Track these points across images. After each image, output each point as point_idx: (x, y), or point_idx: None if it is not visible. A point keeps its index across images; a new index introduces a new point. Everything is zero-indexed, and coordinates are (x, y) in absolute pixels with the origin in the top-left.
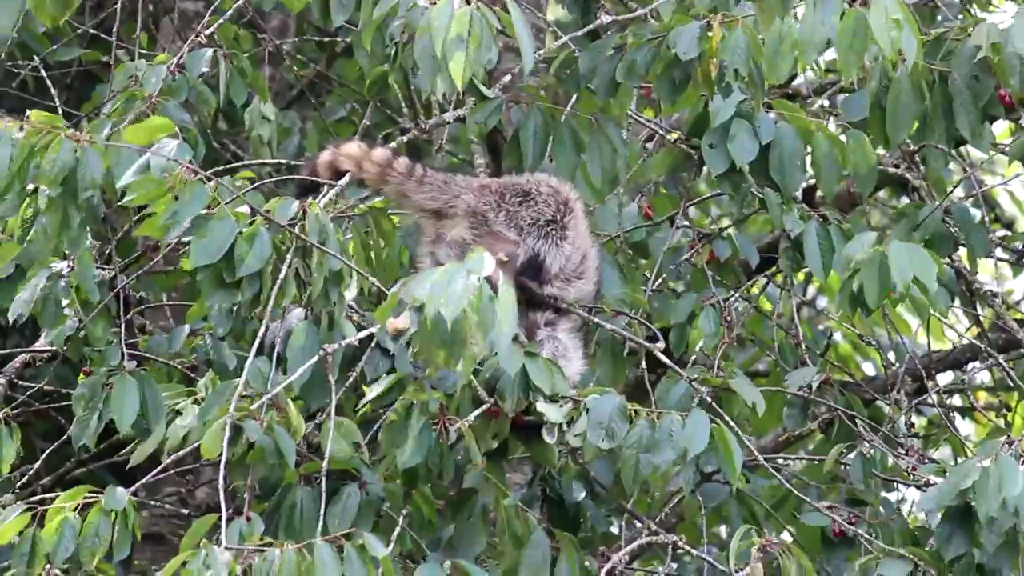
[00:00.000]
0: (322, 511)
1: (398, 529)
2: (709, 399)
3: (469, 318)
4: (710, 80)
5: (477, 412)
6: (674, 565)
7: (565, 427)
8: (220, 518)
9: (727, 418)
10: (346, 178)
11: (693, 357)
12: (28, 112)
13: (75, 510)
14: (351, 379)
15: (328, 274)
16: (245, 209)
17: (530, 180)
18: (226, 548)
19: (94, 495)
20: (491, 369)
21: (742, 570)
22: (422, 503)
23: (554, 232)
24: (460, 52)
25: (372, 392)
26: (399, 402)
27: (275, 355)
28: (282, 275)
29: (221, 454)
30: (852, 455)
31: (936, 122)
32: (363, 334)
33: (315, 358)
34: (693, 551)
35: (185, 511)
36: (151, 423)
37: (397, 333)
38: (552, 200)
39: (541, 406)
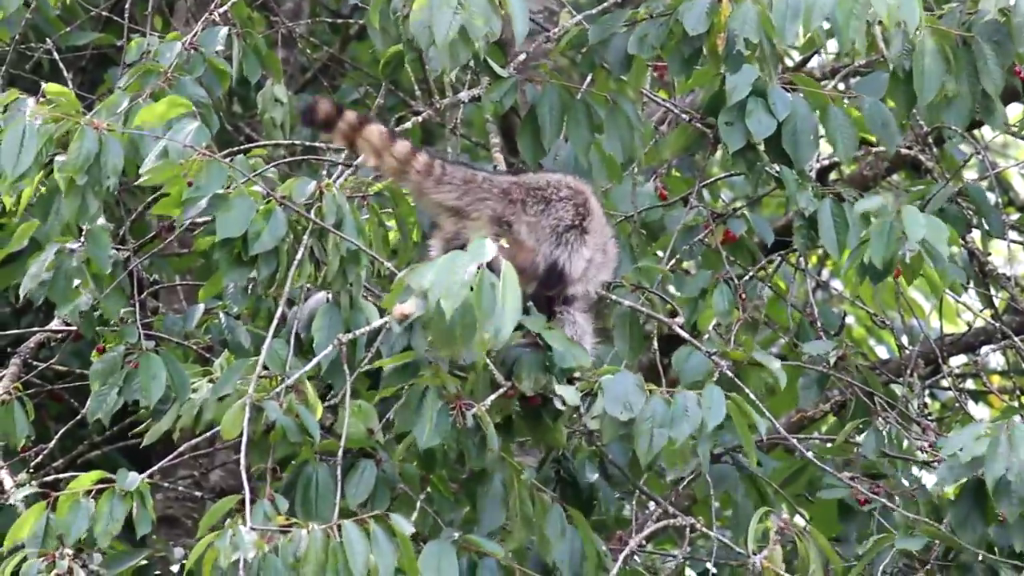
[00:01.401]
0: (339, 486)
1: (416, 513)
2: (729, 372)
3: (473, 306)
4: (717, 55)
5: (494, 396)
6: (687, 548)
7: (582, 410)
8: (243, 498)
9: (748, 392)
10: (362, 158)
11: (707, 336)
12: (44, 86)
13: (88, 494)
14: (367, 359)
15: (345, 254)
16: (259, 190)
17: (550, 183)
18: (252, 528)
19: (107, 480)
20: (505, 351)
21: (759, 553)
22: (439, 484)
23: (574, 238)
24: (447, 18)
25: (387, 369)
26: (413, 386)
27: (292, 337)
28: (299, 256)
29: (240, 435)
30: (865, 433)
31: (961, 84)
32: (382, 321)
33: (331, 347)
34: (711, 533)
35: (199, 494)
36: (180, 398)
37: (403, 318)
38: (571, 204)
39: (559, 388)
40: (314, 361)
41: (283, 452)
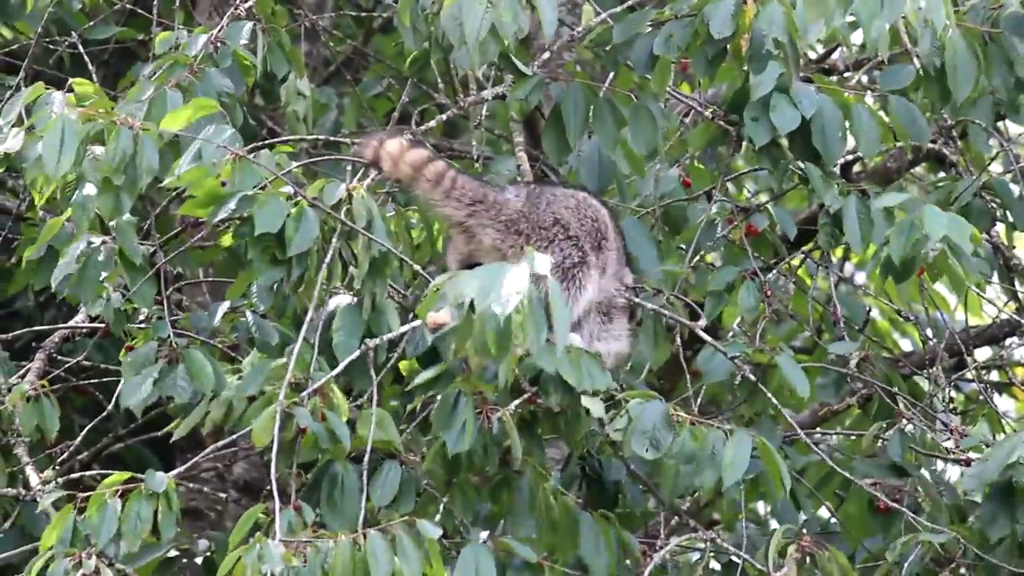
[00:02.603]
0: (364, 489)
1: (440, 514)
2: (751, 376)
3: (518, 317)
4: (741, 56)
5: (518, 402)
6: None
7: (606, 420)
8: (272, 508)
9: (768, 394)
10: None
11: (731, 333)
12: (71, 81)
13: (115, 494)
14: (392, 360)
15: (376, 255)
16: (287, 189)
17: (558, 218)
18: (280, 541)
19: (134, 481)
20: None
21: (778, 569)
22: (466, 487)
23: (580, 274)
24: (478, 15)
25: (419, 379)
26: (444, 393)
27: (317, 339)
28: (328, 257)
29: (271, 441)
30: (890, 432)
31: (993, 79)
32: (406, 328)
33: (357, 352)
34: (731, 549)
35: (222, 496)
36: (217, 393)
37: (436, 327)
38: (576, 243)
39: (585, 400)
40: (340, 367)
41: (310, 456)
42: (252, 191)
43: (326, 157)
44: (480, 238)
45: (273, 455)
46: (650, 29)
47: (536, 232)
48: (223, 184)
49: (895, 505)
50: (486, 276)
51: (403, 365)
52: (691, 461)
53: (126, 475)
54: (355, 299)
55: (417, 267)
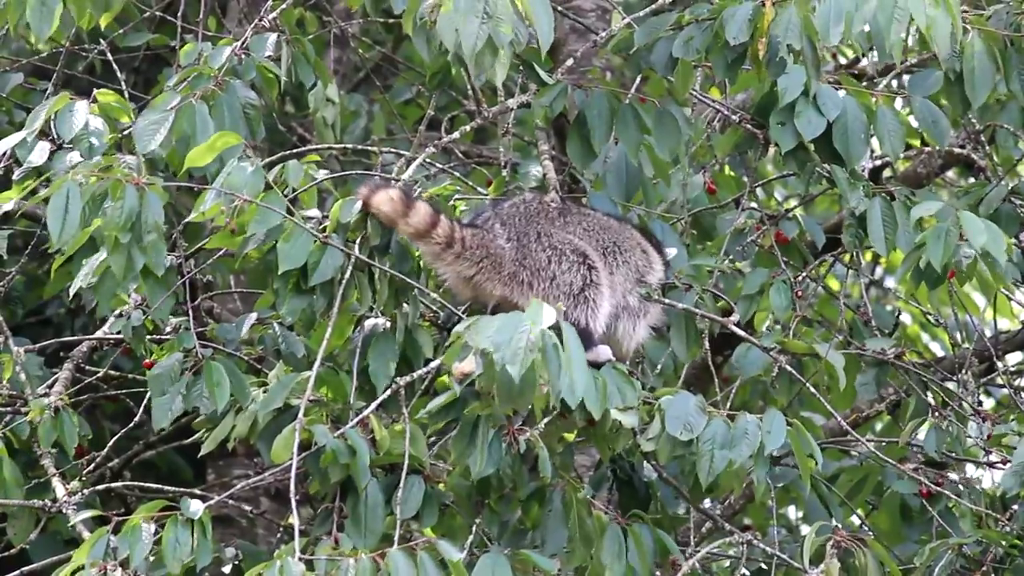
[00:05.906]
0: (392, 503)
1: (472, 535)
2: (788, 367)
3: (536, 367)
4: (759, 60)
5: (546, 420)
6: (743, 546)
7: (638, 431)
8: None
9: (808, 385)
10: (411, 169)
11: (762, 333)
12: (95, 92)
13: (151, 520)
14: (428, 383)
15: (394, 280)
16: (315, 212)
17: (552, 256)
18: (299, 559)
19: (169, 509)
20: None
21: (816, 566)
22: (495, 505)
23: (592, 294)
24: (475, 28)
25: (431, 405)
26: (465, 415)
27: (355, 368)
28: (344, 278)
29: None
30: (923, 429)
31: (1013, 84)
32: (434, 364)
33: (388, 392)
34: (768, 549)
35: (250, 512)
36: (242, 405)
37: (464, 377)
38: (579, 262)
39: (615, 413)
40: (374, 405)
41: (339, 475)
42: (279, 221)
43: (352, 172)
44: (489, 291)
45: (292, 472)
46: (670, 32)
47: (536, 276)
48: (232, 232)
49: (937, 488)
50: (500, 328)
51: (441, 381)
52: (725, 445)
53: (159, 503)
54: (388, 323)
55: (434, 294)
